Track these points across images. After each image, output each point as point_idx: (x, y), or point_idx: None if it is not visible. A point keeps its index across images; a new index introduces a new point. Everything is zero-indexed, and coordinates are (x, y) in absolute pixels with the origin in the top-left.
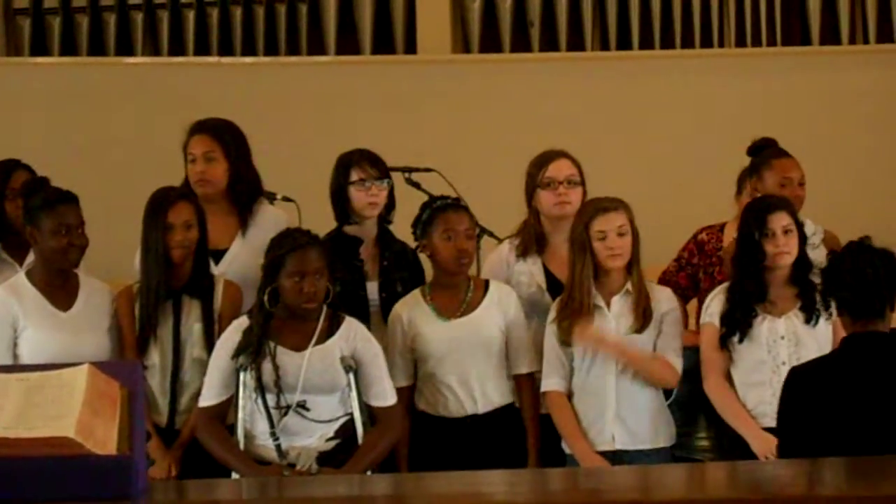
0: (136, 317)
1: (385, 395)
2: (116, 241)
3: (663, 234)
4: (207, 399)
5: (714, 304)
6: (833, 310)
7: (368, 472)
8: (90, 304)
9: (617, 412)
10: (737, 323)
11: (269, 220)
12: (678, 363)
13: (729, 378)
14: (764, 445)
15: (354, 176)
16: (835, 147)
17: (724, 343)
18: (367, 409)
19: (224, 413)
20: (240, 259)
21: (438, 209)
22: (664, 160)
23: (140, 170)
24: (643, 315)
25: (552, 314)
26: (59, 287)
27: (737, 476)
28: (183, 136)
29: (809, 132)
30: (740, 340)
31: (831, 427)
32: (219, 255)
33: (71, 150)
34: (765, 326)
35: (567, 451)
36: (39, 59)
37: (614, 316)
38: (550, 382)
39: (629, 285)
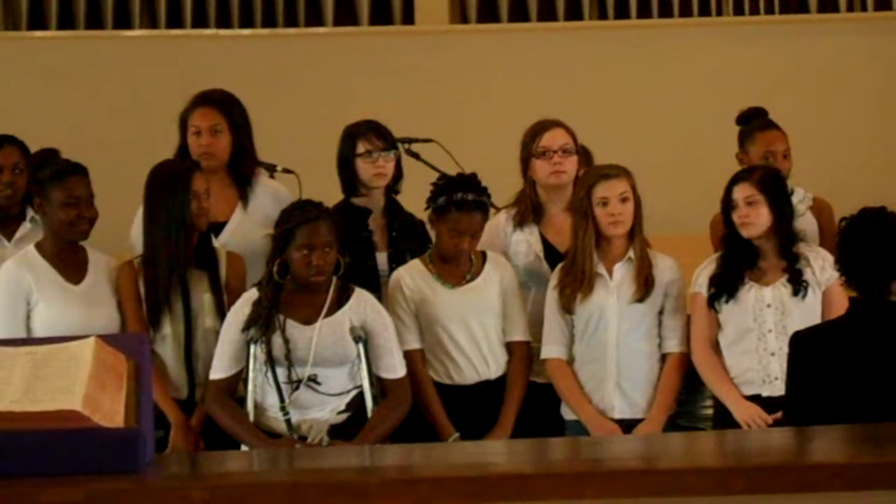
0: (142, 290)
1: (395, 366)
2: (115, 215)
3: (663, 202)
4: (218, 372)
5: (703, 274)
6: (826, 281)
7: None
8: (100, 277)
9: (617, 381)
10: (725, 285)
11: (268, 193)
12: (684, 344)
13: (717, 347)
14: (746, 414)
15: (361, 147)
16: (832, 115)
17: (711, 305)
18: (377, 382)
19: (234, 386)
20: (240, 232)
21: (455, 205)
22: (663, 128)
23: (138, 143)
24: (645, 283)
25: (553, 281)
26: (69, 260)
27: (738, 444)
28: (180, 108)
29: (807, 100)
30: (727, 301)
31: (838, 393)
32: (217, 228)
33: (69, 123)
34: (752, 294)
35: (566, 417)
36: (37, 33)
37: (616, 284)
38: (551, 349)
39: (631, 253)
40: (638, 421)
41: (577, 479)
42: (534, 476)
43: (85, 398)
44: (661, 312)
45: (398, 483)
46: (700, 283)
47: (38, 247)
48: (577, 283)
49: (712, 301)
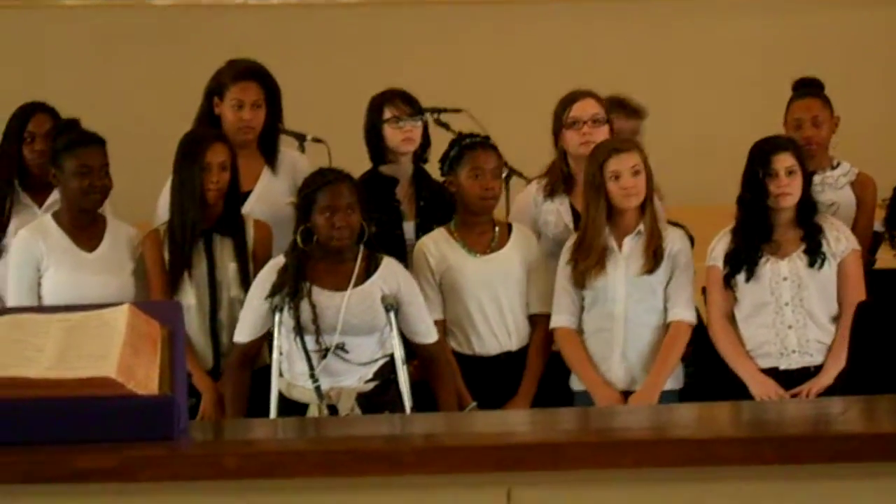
0: (165, 259)
1: (430, 331)
2: (144, 185)
3: (688, 176)
4: (241, 335)
5: (719, 247)
6: (842, 253)
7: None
8: (116, 246)
9: (623, 352)
10: (741, 262)
11: (289, 164)
12: (690, 313)
13: (732, 320)
14: (762, 388)
15: (388, 114)
16: (864, 84)
17: (727, 283)
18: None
19: (256, 351)
20: (266, 199)
21: (467, 147)
22: (690, 99)
23: (167, 113)
24: (654, 256)
25: (566, 256)
26: (84, 228)
27: (750, 415)
28: (205, 76)
29: (838, 70)
30: (746, 280)
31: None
32: (244, 197)
33: (97, 93)
34: (768, 267)
35: (575, 388)
36: (66, 2)
37: (625, 257)
38: (560, 319)
39: (641, 226)
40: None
41: (602, 448)
42: (564, 445)
43: (119, 365)
44: (668, 284)
45: (428, 451)
46: (715, 255)
47: (56, 215)
48: (588, 258)
49: (729, 278)
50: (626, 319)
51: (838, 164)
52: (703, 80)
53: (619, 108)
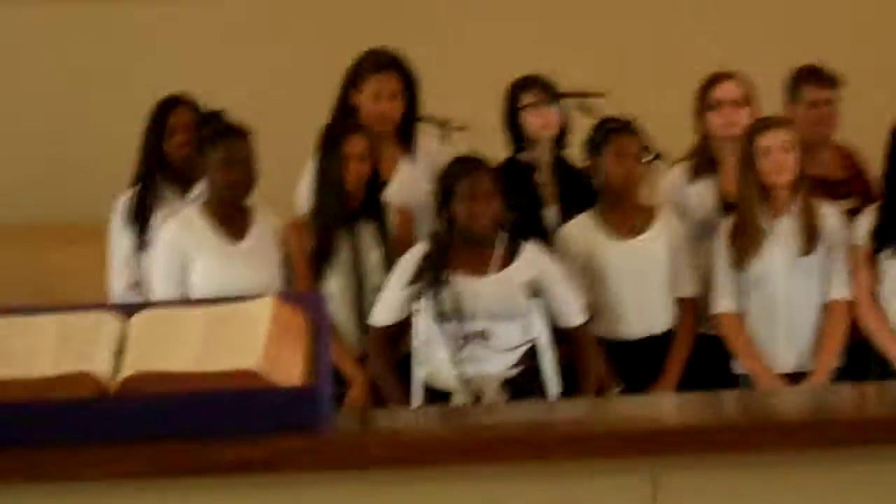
0: (308, 247)
1: (577, 314)
2: (288, 175)
3: None
4: (380, 318)
5: (862, 226)
6: None
7: None
8: (263, 236)
9: (787, 335)
10: (888, 238)
11: (427, 152)
12: (848, 291)
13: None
14: None
15: (526, 100)
16: None
17: (873, 258)
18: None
19: (396, 335)
20: (406, 186)
21: (610, 130)
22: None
23: (309, 103)
24: (810, 236)
25: (722, 236)
26: (231, 219)
27: None
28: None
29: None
30: (891, 254)
31: None
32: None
33: (239, 83)
34: None
35: (736, 372)
36: None
37: (782, 236)
38: (722, 304)
39: (796, 204)
40: (807, 374)
41: (751, 431)
42: (708, 429)
43: (263, 357)
44: (823, 265)
45: (574, 437)
46: (859, 234)
47: (202, 207)
48: (744, 237)
49: (874, 255)
50: (788, 302)
51: None
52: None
53: (810, 76)
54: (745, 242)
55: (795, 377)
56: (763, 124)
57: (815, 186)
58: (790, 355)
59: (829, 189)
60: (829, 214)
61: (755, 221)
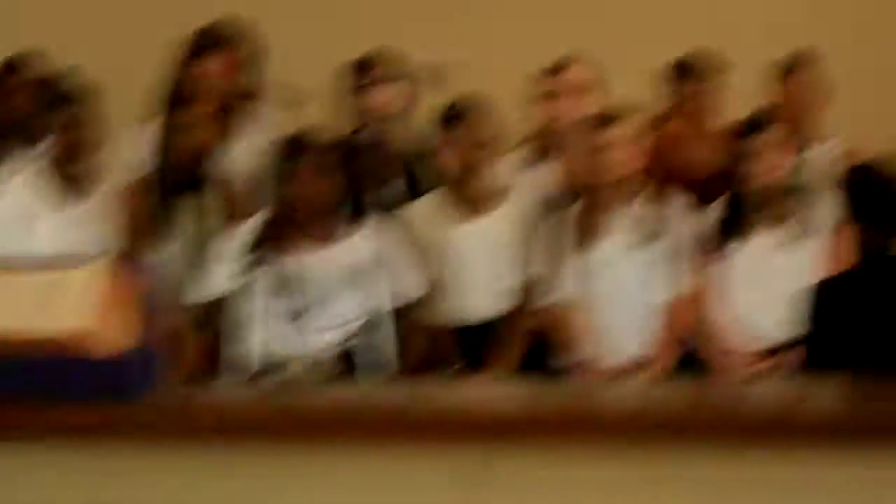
0: (143, 214)
1: (414, 289)
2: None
3: None
4: (214, 289)
5: (712, 216)
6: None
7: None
8: (105, 197)
9: (624, 325)
10: (733, 229)
11: (265, 122)
12: (687, 285)
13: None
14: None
15: (372, 76)
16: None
17: (715, 251)
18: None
19: (228, 305)
20: (242, 159)
21: (458, 112)
22: None
23: (151, 66)
24: (653, 225)
25: (565, 224)
26: (74, 180)
27: (736, 393)
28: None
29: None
30: (733, 252)
31: (855, 341)
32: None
33: (87, 43)
34: (756, 240)
35: (568, 360)
36: None
37: (624, 226)
38: (561, 291)
39: (637, 196)
40: (639, 367)
41: (579, 421)
42: (541, 418)
43: (94, 322)
44: (664, 256)
45: (405, 419)
46: (706, 228)
47: (46, 165)
48: (586, 226)
49: (717, 248)
50: (627, 291)
51: (826, 140)
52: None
53: (679, 71)
54: (586, 231)
55: (631, 368)
56: (608, 116)
57: (690, 183)
58: (626, 345)
59: (701, 185)
60: (673, 206)
61: (596, 211)
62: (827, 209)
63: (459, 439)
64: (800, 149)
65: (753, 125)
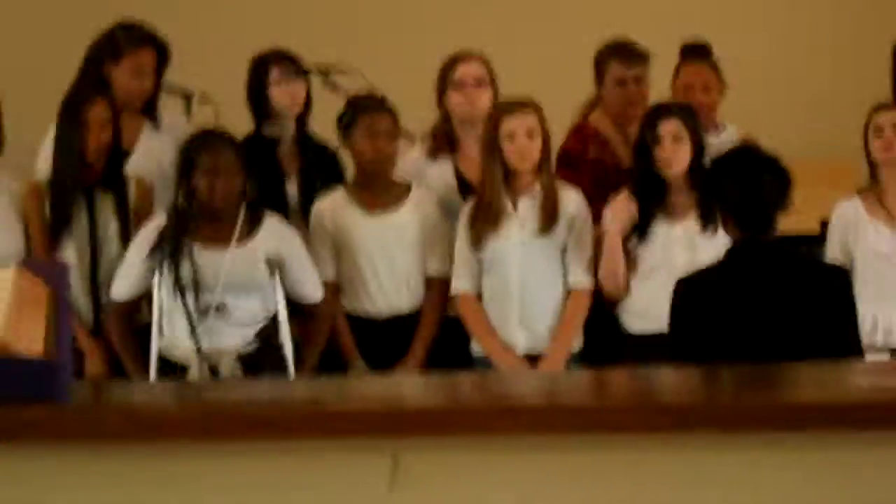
0: (47, 214)
1: (316, 290)
2: (29, 142)
3: None
4: (119, 293)
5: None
6: None
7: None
8: (6, 203)
9: (521, 316)
10: (636, 225)
11: (169, 122)
12: (587, 279)
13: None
14: None
15: (275, 74)
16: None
17: (623, 244)
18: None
19: (135, 309)
20: (146, 159)
21: (361, 108)
22: (582, 60)
23: (51, 69)
24: (549, 217)
25: (463, 217)
26: None
27: (645, 382)
28: (90, 33)
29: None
30: (639, 242)
31: (719, 336)
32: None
33: None
34: (661, 230)
35: (475, 353)
36: None
37: (520, 218)
38: (461, 284)
39: (537, 187)
40: (541, 357)
41: (487, 414)
42: (451, 410)
43: (5, 326)
44: (565, 248)
45: (312, 415)
46: (610, 218)
47: None
48: (484, 218)
49: (624, 241)
50: (524, 283)
51: (724, 128)
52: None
53: (617, 53)
54: (484, 223)
55: (531, 359)
56: (507, 108)
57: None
58: (524, 337)
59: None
60: (571, 198)
61: (495, 203)
62: None
63: (370, 435)
64: (697, 139)
65: (651, 116)
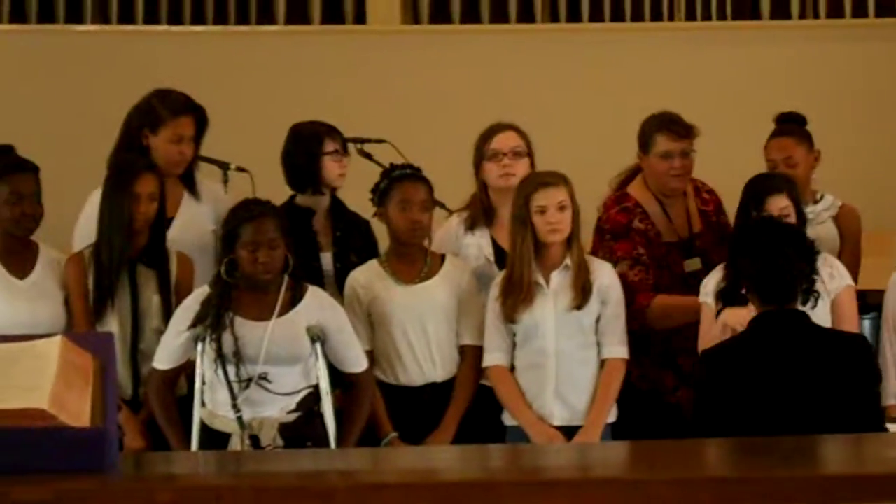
0: (90, 285)
1: (359, 360)
2: (67, 212)
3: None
4: (162, 363)
5: (711, 283)
6: (836, 290)
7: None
8: (48, 273)
9: (556, 388)
10: (733, 298)
11: (208, 191)
12: (622, 350)
13: None
14: None
15: (330, 146)
16: (845, 116)
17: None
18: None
19: (176, 379)
20: (190, 225)
21: (396, 178)
22: (613, 133)
23: (88, 139)
24: (582, 291)
25: (494, 291)
26: (16, 255)
27: (680, 453)
28: (130, 103)
29: (760, 106)
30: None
31: (744, 408)
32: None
33: (19, 119)
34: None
35: (507, 423)
36: None
37: (553, 292)
38: (493, 357)
39: (568, 260)
40: (578, 427)
41: (517, 488)
42: (489, 483)
43: (52, 397)
44: (598, 319)
45: (354, 488)
46: (707, 291)
47: None
48: (516, 292)
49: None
50: (558, 355)
51: (821, 198)
52: (628, 112)
53: (664, 126)
54: (516, 296)
55: (566, 431)
56: (538, 181)
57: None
58: (559, 409)
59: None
60: (603, 271)
61: (526, 276)
62: None
63: None
64: (799, 211)
65: (758, 189)
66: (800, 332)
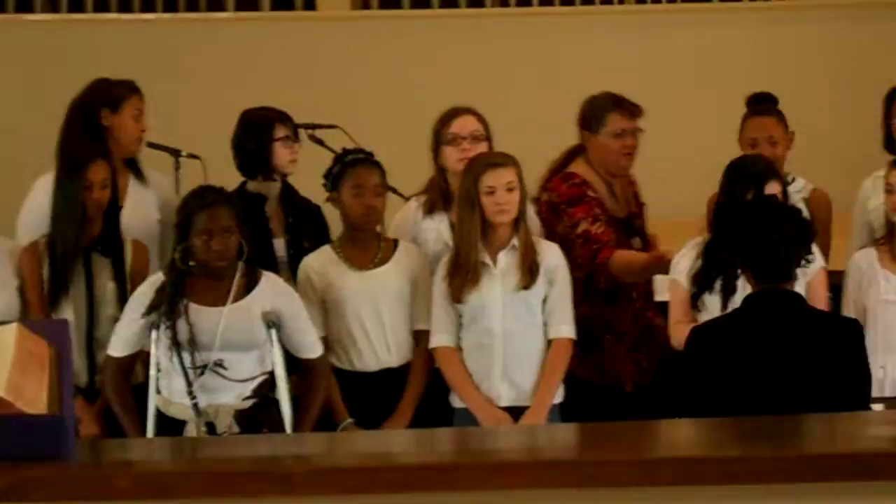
0: (45, 274)
1: (315, 346)
2: (14, 200)
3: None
4: (116, 350)
5: (683, 262)
6: (808, 272)
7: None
8: (0, 261)
9: (504, 369)
10: (708, 280)
11: (152, 177)
12: (569, 330)
13: None
14: None
15: (280, 132)
16: (817, 97)
17: (694, 302)
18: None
19: (131, 366)
20: (135, 214)
21: (350, 163)
22: (563, 117)
23: (38, 129)
24: (529, 271)
25: (441, 271)
26: None
27: (627, 435)
28: (76, 92)
29: (709, 88)
30: (709, 294)
31: (730, 385)
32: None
33: None
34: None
35: (455, 405)
36: None
37: (500, 272)
38: (440, 338)
39: (515, 241)
40: (526, 408)
41: (487, 469)
42: (444, 466)
43: (8, 384)
44: (545, 299)
45: (315, 471)
46: (679, 270)
47: None
48: (463, 272)
49: (695, 299)
50: (505, 335)
51: (793, 180)
52: (576, 96)
53: (616, 105)
54: (463, 276)
55: (513, 411)
56: (487, 162)
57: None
58: (507, 390)
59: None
60: (550, 251)
61: (473, 256)
62: None
63: (359, 492)
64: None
65: (752, 173)
66: (793, 313)
